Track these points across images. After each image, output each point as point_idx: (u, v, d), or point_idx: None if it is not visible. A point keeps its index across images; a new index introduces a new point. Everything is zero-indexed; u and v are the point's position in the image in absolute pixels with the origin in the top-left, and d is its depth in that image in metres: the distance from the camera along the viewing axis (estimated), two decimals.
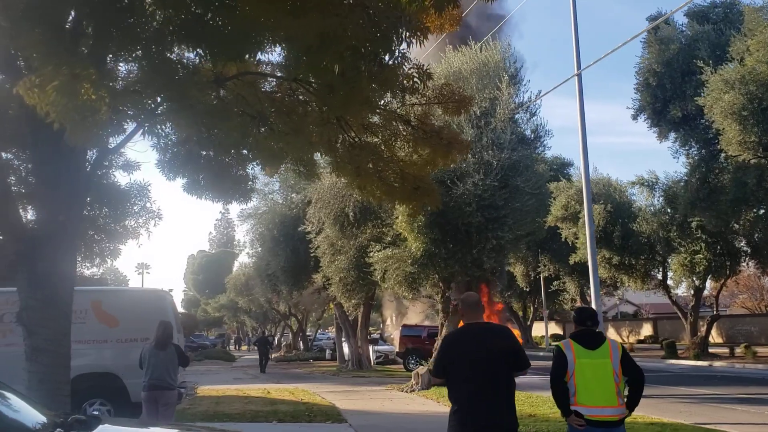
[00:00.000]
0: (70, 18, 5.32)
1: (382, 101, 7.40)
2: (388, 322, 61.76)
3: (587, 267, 33.30)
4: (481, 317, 5.22)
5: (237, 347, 69.80)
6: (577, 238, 32.42)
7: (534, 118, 18.23)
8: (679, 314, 33.30)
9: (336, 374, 26.69)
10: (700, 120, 22.41)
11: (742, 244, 29.52)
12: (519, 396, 15.40)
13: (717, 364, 27.08)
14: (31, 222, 8.26)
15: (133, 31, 4.34)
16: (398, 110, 7.49)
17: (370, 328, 40.14)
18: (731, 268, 29.81)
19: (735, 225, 25.99)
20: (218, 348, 54.96)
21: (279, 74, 6.94)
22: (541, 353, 41.92)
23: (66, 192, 6.02)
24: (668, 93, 23.08)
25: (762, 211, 23.33)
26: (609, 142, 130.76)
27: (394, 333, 49.36)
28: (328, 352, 40.74)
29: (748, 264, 31.93)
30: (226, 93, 7.30)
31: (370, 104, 6.29)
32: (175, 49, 4.82)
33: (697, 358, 28.89)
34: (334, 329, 44.47)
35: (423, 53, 16.04)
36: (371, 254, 18.74)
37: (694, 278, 29.90)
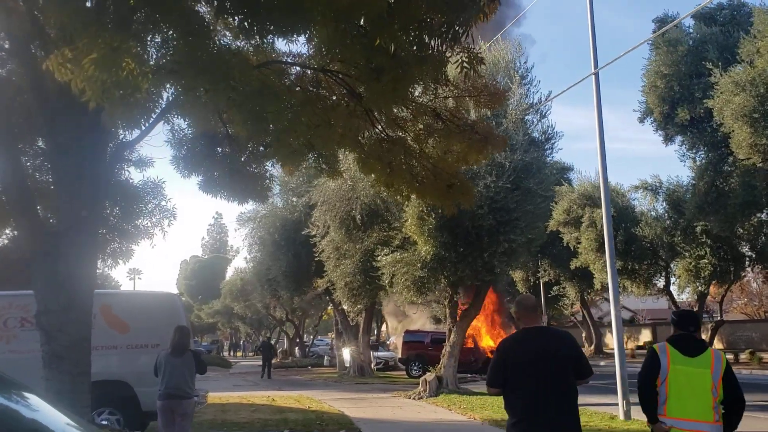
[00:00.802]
0: None
1: (416, 93, 7.01)
2: (384, 327, 61.26)
3: (588, 272, 33.31)
4: (540, 321, 4.83)
5: (232, 353, 69.04)
6: (578, 243, 32.18)
7: (544, 119, 17.90)
8: None
9: (338, 381, 26.21)
10: (708, 123, 22.15)
11: (745, 250, 29.36)
12: None
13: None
14: (48, 219, 7.82)
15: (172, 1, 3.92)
16: (430, 103, 7.10)
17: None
18: (736, 273, 29.58)
19: (740, 230, 25.79)
20: (213, 354, 54.31)
21: (308, 64, 6.53)
22: None
23: (88, 185, 5.59)
24: (676, 95, 22.84)
25: None
26: (609, 148, 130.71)
27: (391, 339, 48.89)
28: (326, 358, 40.17)
29: (753, 269, 31.70)
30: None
31: (406, 96, 5.86)
32: (218, 27, 4.42)
33: None
34: (332, 335, 43.97)
35: None
36: (378, 258, 18.32)
37: (699, 283, 29.58)
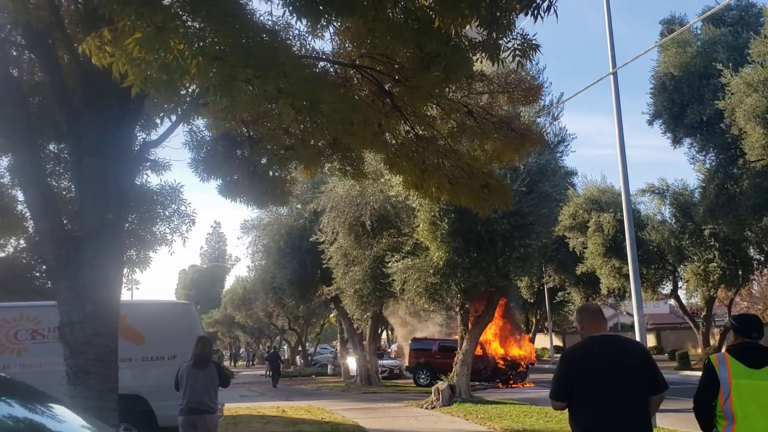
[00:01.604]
0: None
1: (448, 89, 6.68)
2: (384, 335, 60.76)
3: (594, 277, 32.97)
4: (606, 328, 4.46)
5: (233, 363, 68.42)
6: (585, 248, 31.89)
7: (556, 122, 17.62)
8: (691, 324, 32.78)
9: (345, 390, 25.76)
10: (718, 124, 21.91)
11: (753, 253, 29.14)
12: (551, 412, 14.69)
13: None
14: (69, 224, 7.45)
15: None
16: (464, 98, 6.77)
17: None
18: (744, 276, 29.32)
19: (749, 233, 25.55)
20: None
21: (340, 60, 6.19)
22: (546, 365, 41.31)
23: (113, 186, 5.23)
24: (686, 97, 22.60)
25: None
26: (609, 154, 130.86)
27: (392, 347, 48.40)
28: (330, 367, 39.67)
29: (761, 272, 31.46)
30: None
31: (458, 84, 5.52)
32: (258, 10, 4.08)
33: None
34: (336, 343, 43.51)
35: None
36: (389, 264, 17.94)
37: (708, 287, 29.30)
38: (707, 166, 24.01)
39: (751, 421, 3.95)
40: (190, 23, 3.59)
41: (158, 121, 5.54)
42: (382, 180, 17.47)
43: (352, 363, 30.38)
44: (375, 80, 6.48)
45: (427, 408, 17.34)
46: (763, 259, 29.28)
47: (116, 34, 3.53)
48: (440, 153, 6.93)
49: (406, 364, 29.84)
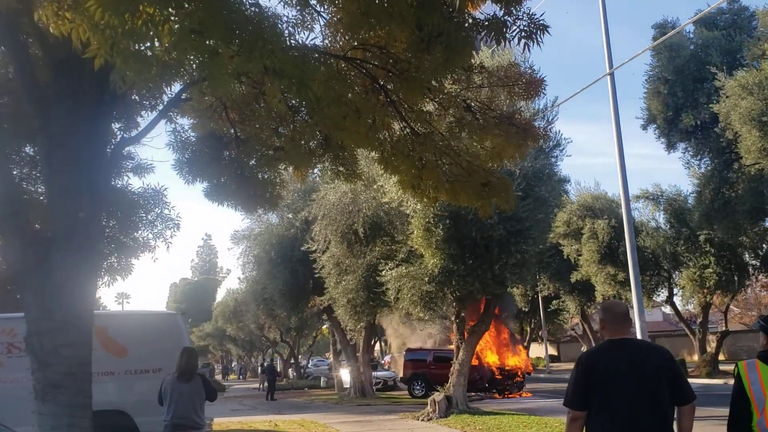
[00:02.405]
0: None
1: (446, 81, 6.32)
2: (377, 346, 60.16)
3: (589, 284, 32.64)
4: (629, 332, 4.07)
5: (224, 377, 67.54)
6: (579, 255, 31.61)
7: (551, 126, 17.28)
8: (687, 331, 32.52)
9: (339, 403, 25.23)
10: (713, 128, 21.72)
11: (749, 258, 28.94)
12: (550, 422, 14.29)
13: (732, 381, 26.13)
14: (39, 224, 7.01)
15: None
16: (462, 92, 6.42)
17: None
18: (740, 282, 29.09)
19: (744, 238, 25.37)
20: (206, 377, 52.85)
21: (331, 51, 5.82)
22: (541, 375, 40.92)
23: (86, 182, 4.82)
24: (680, 101, 22.43)
25: None
26: (601, 162, 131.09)
27: (386, 358, 47.87)
28: (323, 379, 39.06)
29: (757, 278, 31.26)
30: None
31: (462, 67, 5.13)
32: None
33: (709, 376, 27.97)
34: (329, 355, 42.94)
35: None
36: (383, 273, 17.53)
37: (704, 293, 29.05)
38: (702, 170, 23.81)
39: None
40: None
41: (136, 104, 5.11)
42: (375, 186, 17.11)
43: (345, 375, 29.85)
44: (368, 74, 6.12)
45: (423, 420, 16.90)
46: (758, 264, 29.09)
47: None
48: (438, 150, 6.56)
49: (401, 375, 29.34)
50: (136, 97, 7.15)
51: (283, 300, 26.38)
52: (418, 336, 36.93)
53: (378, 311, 21.55)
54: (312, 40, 5.98)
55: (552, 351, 56.50)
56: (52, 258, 4.74)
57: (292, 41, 4.96)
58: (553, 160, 18.20)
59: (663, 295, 32.88)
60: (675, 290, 31.70)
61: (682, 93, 22.26)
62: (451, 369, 18.46)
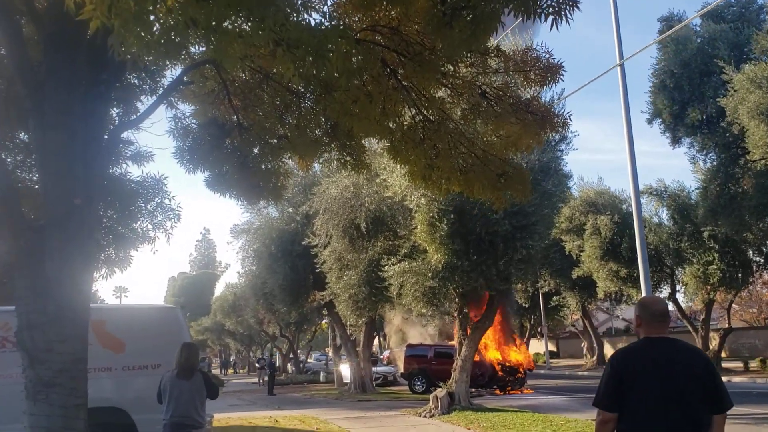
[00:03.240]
0: None
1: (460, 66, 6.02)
2: (376, 342, 59.96)
3: (590, 281, 32.36)
4: (667, 331, 3.79)
5: (223, 371, 67.32)
6: (581, 251, 31.35)
7: (571, 113, 16.92)
8: (689, 328, 32.27)
9: (339, 398, 24.97)
10: (719, 123, 21.41)
11: (753, 255, 28.69)
12: (555, 420, 14.05)
13: (736, 379, 25.94)
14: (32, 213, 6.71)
15: None
16: (478, 77, 6.12)
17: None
18: (744, 279, 28.82)
19: (749, 235, 25.09)
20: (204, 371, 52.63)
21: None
22: (542, 371, 40.70)
23: (80, 167, 4.51)
24: (686, 95, 22.10)
25: None
26: (603, 159, 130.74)
27: (385, 353, 47.64)
28: (323, 374, 38.85)
29: (761, 274, 31.02)
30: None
31: (485, 42, 4.82)
32: None
33: None
34: (328, 350, 42.73)
35: None
36: (386, 268, 17.24)
37: (708, 290, 28.79)
38: (707, 166, 23.52)
39: None
40: None
41: (132, 74, 4.78)
42: (378, 180, 16.82)
43: (345, 370, 29.61)
44: (380, 57, 5.82)
45: (425, 416, 16.65)
46: (762, 260, 28.86)
47: None
48: (451, 138, 6.26)
49: (400, 370, 29.11)
50: (136, 81, 6.86)
51: (283, 295, 26.12)
52: (421, 332, 36.68)
53: (380, 307, 21.28)
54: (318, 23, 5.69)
55: (552, 347, 56.27)
56: (46, 247, 4.44)
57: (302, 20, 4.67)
58: (560, 153, 17.93)
59: (666, 291, 32.66)
60: (678, 287, 31.48)
61: (689, 87, 21.94)
62: (454, 365, 18.20)
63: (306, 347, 53.53)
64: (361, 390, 26.33)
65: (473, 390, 22.34)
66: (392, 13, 5.44)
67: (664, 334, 3.68)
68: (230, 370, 72.93)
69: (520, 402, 20.19)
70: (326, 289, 21.31)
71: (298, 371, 43.91)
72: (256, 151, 7.81)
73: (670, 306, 33.35)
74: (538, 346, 52.60)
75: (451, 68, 5.67)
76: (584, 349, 44.16)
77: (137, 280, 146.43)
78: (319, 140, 7.28)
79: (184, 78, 5.81)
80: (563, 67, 6.42)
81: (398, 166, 9.45)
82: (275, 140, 7.67)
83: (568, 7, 4.11)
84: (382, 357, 44.88)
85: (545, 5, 4.08)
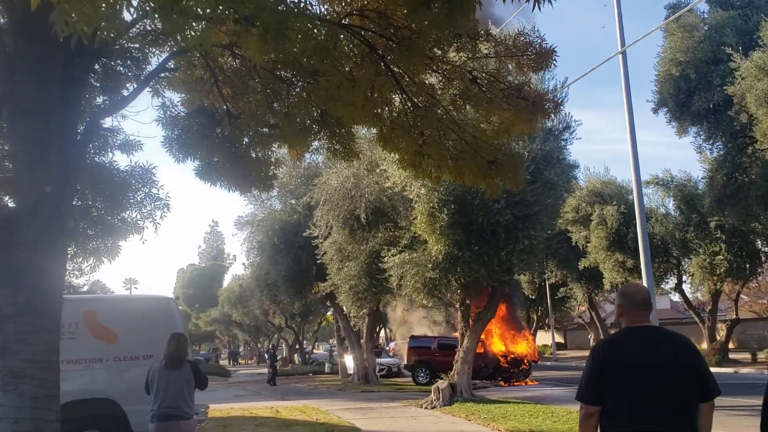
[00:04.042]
0: None
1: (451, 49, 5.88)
2: (382, 333, 60.02)
3: (597, 272, 32.13)
4: (649, 319, 3.66)
5: (232, 362, 67.63)
6: (588, 242, 31.12)
7: (565, 99, 16.74)
8: (696, 319, 32.07)
9: (342, 389, 24.98)
10: (726, 112, 21.10)
11: (761, 245, 28.38)
12: (557, 411, 13.95)
13: (744, 370, 25.74)
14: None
15: None
16: (468, 62, 5.98)
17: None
18: (752, 269, 28.54)
19: (757, 224, 24.80)
20: (212, 363, 53.13)
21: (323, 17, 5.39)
22: (548, 363, 40.61)
23: (53, 154, 4.41)
24: (693, 83, 21.78)
25: None
26: (606, 149, 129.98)
27: (391, 344, 47.67)
28: (327, 365, 38.93)
29: None
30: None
31: (465, 24, 4.68)
32: None
33: (719, 364, 27.49)
34: (333, 341, 42.81)
35: None
36: (386, 259, 17.13)
37: (714, 280, 28.53)
38: (714, 155, 23.22)
39: None
40: None
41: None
42: (378, 171, 16.69)
43: (349, 361, 29.62)
44: (366, 42, 5.69)
45: (427, 408, 16.59)
46: None
47: None
48: (441, 124, 6.13)
49: (405, 362, 29.07)
50: (122, 69, 6.76)
51: (286, 286, 26.13)
52: (423, 323, 36.63)
53: (381, 298, 21.19)
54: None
55: (559, 338, 56.13)
56: (16, 235, 4.35)
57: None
58: (563, 143, 17.71)
59: (672, 282, 32.44)
60: (684, 277, 31.23)
61: (695, 75, 21.62)
62: (456, 356, 18.12)
63: (312, 338, 53.65)
64: (364, 381, 26.34)
65: (477, 381, 22.29)
66: None
67: (646, 322, 3.55)
68: (241, 360, 73.29)
69: (524, 393, 20.10)
70: (327, 280, 21.26)
71: (303, 362, 44.02)
72: (246, 140, 7.70)
73: (675, 297, 33.16)
74: (545, 337, 52.49)
75: (439, 52, 5.53)
76: (591, 341, 43.97)
77: (149, 271, 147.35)
78: (308, 128, 7.16)
79: (171, 65, 5.71)
80: (556, 52, 6.26)
81: (390, 155, 9.32)
82: (265, 129, 7.57)
83: None
84: (388, 348, 44.91)
85: None
